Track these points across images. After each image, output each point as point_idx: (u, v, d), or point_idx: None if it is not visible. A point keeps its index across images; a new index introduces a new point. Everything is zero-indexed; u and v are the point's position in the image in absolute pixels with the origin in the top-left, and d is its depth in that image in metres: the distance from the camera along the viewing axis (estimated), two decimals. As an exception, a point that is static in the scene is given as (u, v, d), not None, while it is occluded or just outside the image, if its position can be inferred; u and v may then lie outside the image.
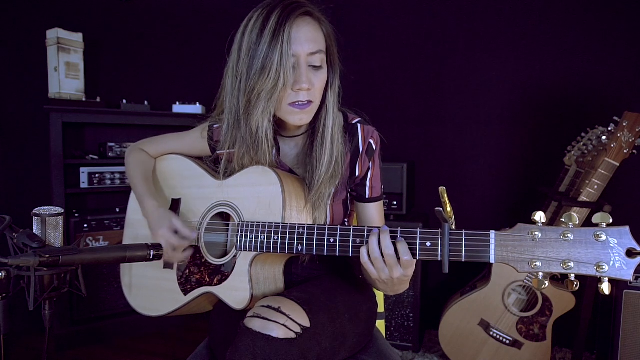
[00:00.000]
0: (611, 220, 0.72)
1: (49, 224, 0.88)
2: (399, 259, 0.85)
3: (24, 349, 2.31)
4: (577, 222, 0.74)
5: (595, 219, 0.73)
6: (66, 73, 2.31)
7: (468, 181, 2.56)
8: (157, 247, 0.93)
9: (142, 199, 1.15)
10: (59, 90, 2.29)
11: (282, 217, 0.97)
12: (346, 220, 1.17)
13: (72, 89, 2.34)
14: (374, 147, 1.08)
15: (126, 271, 1.23)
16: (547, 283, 0.76)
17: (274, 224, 0.96)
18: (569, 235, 0.73)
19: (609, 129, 1.78)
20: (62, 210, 0.91)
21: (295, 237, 0.94)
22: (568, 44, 2.30)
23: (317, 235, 0.92)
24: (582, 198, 1.76)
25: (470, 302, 2.03)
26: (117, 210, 2.49)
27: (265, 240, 0.96)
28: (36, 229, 0.88)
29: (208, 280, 1.06)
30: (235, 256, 1.02)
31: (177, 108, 2.63)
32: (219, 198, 1.09)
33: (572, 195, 1.92)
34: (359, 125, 1.08)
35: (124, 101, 2.49)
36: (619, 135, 1.69)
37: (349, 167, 1.08)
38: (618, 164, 1.71)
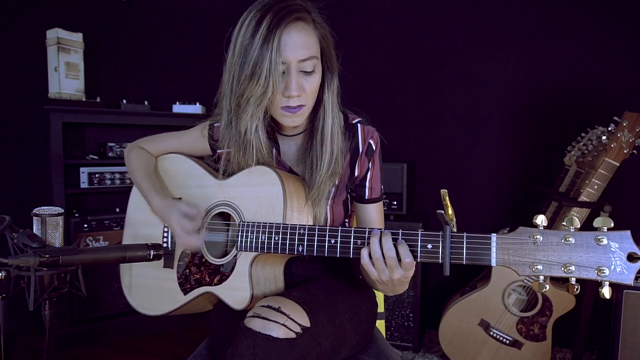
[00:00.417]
0: (612, 225, 0.72)
1: (49, 224, 0.88)
2: (400, 260, 0.85)
3: (24, 349, 2.31)
4: (579, 226, 0.74)
5: (597, 223, 0.73)
6: (66, 73, 2.31)
7: (468, 181, 2.56)
8: (157, 247, 0.93)
9: (147, 196, 1.15)
10: (59, 90, 2.29)
11: (283, 218, 0.97)
12: (347, 221, 1.17)
13: (72, 89, 2.34)
14: (374, 148, 1.08)
15: (126, 271, 1.23)
16: (547, 286, 0.76)
17: (274, 225, 0.96)
18: (570, 239, 0.73)
19: (609, 129, 1.78)
20: (62, 210, 0.91)
21: (296, 237, 0.94)
22: (568, 44, 2.30)
23: (318, 236, 0.92)
24: (582, 198, 1.76)
25: (470, 302, 2.03)
26: (117, 210, 2.49)
27: (266, 240, 0.96)
28: (36, 229, 0.88)
29: (208, 280, 1.06)
30: (235, 256, 1.02)
31: (177, 108, 2.63)
32: (220, 198, 1.09)
33: (572, 195, 1.92)
34: (359, 125, 1.08)
35: (124, 101, 2.49)
36: (619, 135, 1.69)
37: (349, 167, 1.08)
38: (618, 164, 1.71)
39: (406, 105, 2.69)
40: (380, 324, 1.24)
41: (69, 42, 2.32)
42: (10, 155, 2.44)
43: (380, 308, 1.22)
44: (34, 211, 0.88)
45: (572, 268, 0.73)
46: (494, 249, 0.77)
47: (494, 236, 0.78)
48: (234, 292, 1.00)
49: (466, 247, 0.79)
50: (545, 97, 2.36)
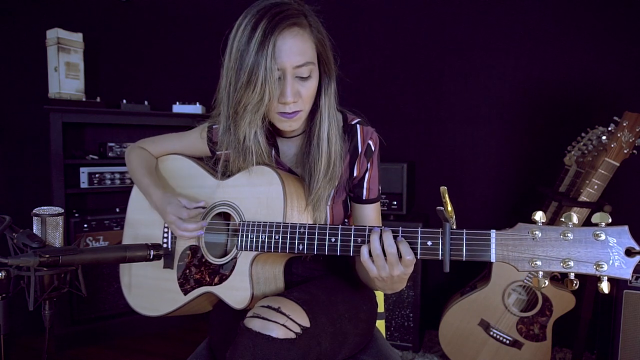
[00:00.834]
0: (610, 220, 0.73)
1: (49, 224, 0.88)
2: (400, 258, 0.85)
3: (24, 349, 2.31)
4: (577, 222, 0.75)
5: (595, 218, 0.74)
6: (66, 73, 2.31)
7: (468, 181, 2.56)
8: (157, 247, 0.93)
9: (148, 191, 1.15)
10: (59, 90, 2.29)
11: (283, 217, 0.97)
12: (346, 220, 1.17)
13: (72, 89, 2.34)
14: (373, 149, 1.08)
15: (126, 271, 1.23)
16: (547, 282, 0.76)
17: (274, 224, 0.96)
18: (568, 235, 0.74)
19: (609, 129, 1.78)
20: (62, 210, 0.91)
21: (296, 236, 0.94)
22: (568, 43, 2.30)
23: (318, 235, 0.92)
24: (582, 198, 1.76)
25: (470, 302, 2.03)
26: (117, 210, 2.49)
27: (266, 240, 0.96)
28: (36, 229, 0.88)
29: (208, 279, 1.06)
30: (235, 256, 1.02)
31: (177, 108, 2.63)
32: (220, 198, 1.09)
33: (572, 195, 1.92)
34: (358, 126, 1.08)
35: (124, 101, 2.49)
36: (619, 135, 1.69)
37: (348, 167, 1.08)
38: (618, 164, 1.71)
39: (406, 105, 2.69)
40: (380, 324, 1.24)
41: (69, 42, 2.32)
42: (10, 155, 2.44)
43: (380, 308, 1.22)
44: (34, 211, 0.88)
45: (571, 263, 0.73)
46: (493, 245, 0.78)
47: (493, 232, 0.78)
48: (234, 291, 1.01)
49: (466, 243, 0.79)
50: (545, 97, 2.36)
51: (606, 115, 1.89)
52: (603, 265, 0.72)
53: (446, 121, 2.59)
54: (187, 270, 1.10)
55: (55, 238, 0.89)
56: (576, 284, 0.74)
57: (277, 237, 0.95)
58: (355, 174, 1.08)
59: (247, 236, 0.99)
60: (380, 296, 1.25)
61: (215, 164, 1.13)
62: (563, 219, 0.75)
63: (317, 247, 0.92)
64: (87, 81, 2.44)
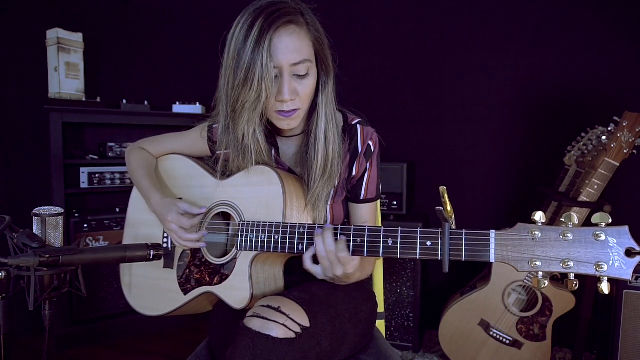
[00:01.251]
0: (610, 220, 0.73)
1: (49, 224, 0.88)
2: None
3: (24, 349, 2.31)
4: (577, 222, 0.75)
5: (595, 218, 0.73)
6: (66, 73, 2.31)
7: (468, 181, 2.56)
8: (157, 247, 0.93)
9: (147, 194, 1.15)
10: (59, 90, 2.29)
11: (282, 217, 0.97)
12: (346, 220, 1.17)
13: (72, 89, 2.34)
14: (372, 149, 1.08)
15: (126, 271, 1.23)
16: (546, 282, 0.76)
17: (274, 224, 0.96)
18: (568, 235, 0.74)
19: (609, 129, 1.78)
20: (62, 210, 0.91)
21: (296, 236, 0.94)
22: (568, 43, 2.30)
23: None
24: (582, 198, 1.76)
25: (470, 302, 2.03)
26: (117, 210, 2.49)
27: (266, 239, 0.96)
28: (36, 229, 0.88)
29: (208, 279, 1.06)
30: (235, 256, 1.02)
31: (177, 108, 2.63)
32: (220, 198, 1.09)
33: (572, 195, 1.92)
34: (358, 126, 1.08)
35: (124, 101, 2.49)
36: (619, 135, 1.69)
37: (347, 167, 1.08)
38: (618, 164, 1.71)
39: (406, 105, 2.69)
40: (380, 324, 1.24)
41: (69, 42, 2.32)
42: (10, 155, 2.44)
43: (380, 308, 1.22)
44: (34, 211, 0.88)
45: (571, 264, 0.73)
46: (492, 246, 0.78)
47: (492, 232, 0.78)
48: (234, 291, 1.01)
49: (465, 243, 0.79)
50: (545, 97, 2.36)
51: (606, 115, 1.89)
52: (603, 266, 0.72)
53: (446, 121, 2.59)
54: (187, 270, 1.10)
55: (55, 238, 0.89)
56: (576, 285, 0.74)
57: (276, 237, 0.95)
58: (354, 174, 1.08)
59: (246, 236, 0.99)
60: (380, 296, 1.25)
61: (215, 163, 1.14)
62: (563, 219, 0.75)
63: (316, 247, 0.92)
64: (87, 81, 2.44)
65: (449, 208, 0.81)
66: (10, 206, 2.41)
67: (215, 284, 1.04)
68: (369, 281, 1.29)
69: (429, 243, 0.83)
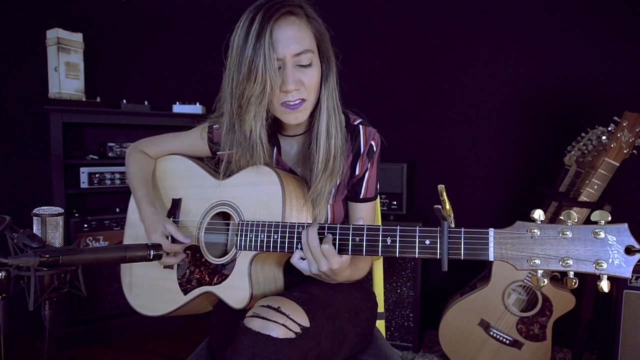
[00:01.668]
0: (609, 218, 0.72)
1: (49, 224, 0.88)
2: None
3: (24, 349, 2.31)
4: (576, 220, 0.74)
5: (594, 216, 0.73)
6: (66, 73, 2.31)
7: (468, 181, 2.56)
8: (157, 247, 0.93)
9: (140, 204, 1.15)
10: (59, 90, 2.29)
11: (282, 216, 0.97)
12: (346, 219, 1.17)
13: (72, 89, 2.34)
14: (375, 149, 1.08)
15: (126, 271, 1.23)
16: (546, 281, 0.76)
17: (273, 223, 0.96)
18: (567, 233, 0.73)
19: (609, 129, 1.78)
20: (62, 210, 0.91)
21: (295, 236, 0.94)
22: (568, 43, 2.30)
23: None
24: (582, 198, 1.76)
25: (470, 302, 2.03)
26: (117, 210, 2.49)
27: (265, 239, 0.96)
28: (36, 229, 0.88)
29: (208, 279, 1.06)
30: (235, 255, 1.02)
31: (177, 108, 2.63)
32: (219, 198, 1.09)
33: (572, 195, 1.92)
34: (360, 126, 1.08)
35: (124, 101, 2.49)
36: (619, 135, 1.69)
37: (350, 167, 1.08)
38: (618, 164, 1.71)
39: (406, 105, 2.69)
40: (380, 324, 1.24)
41: (69, 42, 2.32)
42: (10, 155, 2.44)
43: (380, 308, 1.22)
44: (34, 211, 0.88)
45: (570, 262, 0.73)
46: (491, 244, 0.78)
47: (491, 231, 0.78)
48: (233, 291, 1.01)
49: (464, 242, 0.79)
50: (545, 97, 2.36)
51: (606, 115, 1.89)
52: (602, 264, 0.71)
53: (446, 121, 2.59)
54: (187, 270, 1.11)
55: (55, 238, 0.89)
56: (576, 283, 0.74)
57: (276, 237, 0.95)
58: (356, 173, 1.09)
59: (246, 236, 0.99)
60: (380, 296, 1.25)
61: (217, 164, 1.14)
62: (562, 217, 0.75)
63: (316, 246, 0.92)
64: (87, 81, 2.44)
65: (447, 206, 0.81)
66: (10, 206, 2.41)
67: (215, 284, 1.04)
68: (369, 281, 1.29)
69: (427, 242, 0.83)
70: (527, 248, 0.76)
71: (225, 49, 1.00)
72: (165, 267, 1.15)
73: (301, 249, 0.92)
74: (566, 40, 2.30)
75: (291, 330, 0.83)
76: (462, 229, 0.80)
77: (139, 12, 2.76)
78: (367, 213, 1.12)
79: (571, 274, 0.74)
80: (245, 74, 0.92)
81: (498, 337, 1.99)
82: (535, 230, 0.75)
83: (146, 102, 2.55)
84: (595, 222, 0.73)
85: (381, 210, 1.78)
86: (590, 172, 1.79)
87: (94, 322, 2.38)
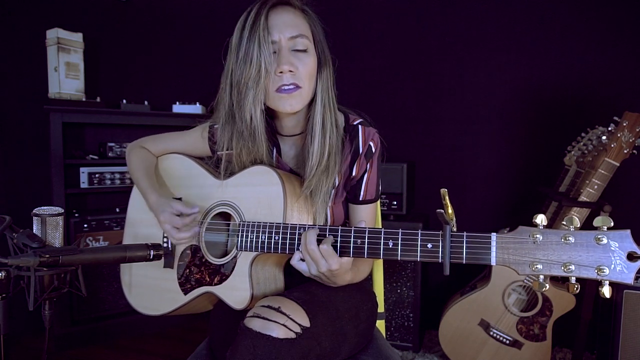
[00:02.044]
0: (612, 224, 0.72)
1: (49, 224, 0.88)
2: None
3: (24, 349, 2.31)
4: (579, 225, 0.74)
5: (597, 222, 0.73)
6: (66, 73, 2.31)
7: (468, 181, 2.56)
8: (157, 247, 0.93)
9: (145, 194, 1.15)
10: (59, 90, 2.29)
11: (283, 218, 0.97)
12: (347, 221, 1.17)
13: (72, 89, 2.34)
14: (373, 150, 1.08)
15: (126, 270, 1.23)
16: (547, 286, 0.76)
17: (274, 224, 0.96)
18: (570, 238, 0.73)
19: (609, 129, 1.78)
20: (62, 210, 0.91)
21: (296, 237, 0.94)
22: (568, 43, 2.30)
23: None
24: (582, 198, 1.76)
25: (470, 302, 2.03)
26: (117, 210, 2.49)
27: (266, 240, 0.96)
28: (36, 229, 0.88)
29: (208, 279, 1.06)
30: (235, 256, 1.02)
31: (177, 108, 2.63)
32: (220, 198, 1.09)
33: (572, 195, 1.92)
34: (360, 126, 1.08)
35: (124, 101, 2.49)
36: (619, 135, 1.69)
37: (348, 168, 1.08)
38: (618, 164, 1.71)
39: (406, 105, 2.69)
40: (380, 324, 1.24)
41: (69, 42, 2.32)
42: (10, 155, 2.44)
43: (380, 308, 1.22)
44: (34, 211, 0.88)
45: (572, 267, 0.73)
46: (493, 248, 0.77)
47: (493, 235, 0.78)
48: (234, 292, 1.01)
49: (466, 246, 0.79)
50: (545, 97, 2.36)
51: (606, 115, 1.89)
52: (604, 270, 0.71)
53: (446, 121, 2.59)
54: (187, 270, 1.10)
55: (55, 238, 0.89)
56: (577, 288, 0.73)
57: (277, 238, 0.95)
58: (354, 174, 1.08)
59: (247, 236, 0.99)
60: (380, 296, 1.25)
61: (216, 164, 1.14)
62: (564, 223, 0.74)
63: (317, 247, 0.92)
64: (87, 81, 2.44)
65: (449, 210, 0.81)
66: (10, 206, 2.41)
67: (216, 284, 1.04)
68: (368, 281, 1.29)
69: (429, 245, 0.83)
70: (529, 253, 0.75)
71: (224, 52, 1.02)
72: (165, 266, 1.15)
73: (301, 250, 0.92)
74: (566, 40, 2.30)
75: (291, 330, 0.83)
76: (465, 233, 0.79)
77: (139, 12, 2.76)
78: (367, 215, 1.12)
79: (573, 279, 0.74)
80: (242, 58, 0.95)
81: (498, 337, 1.99)
82: (538, 235, 0.75)
83: (146, 102, 2.55)
84: (598, 228, 0.73)
85: (381, 210, 1.78)
86: (591, 172, 1.79)
87: (94, 322, 2.38)
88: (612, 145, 1.70)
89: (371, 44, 2.75)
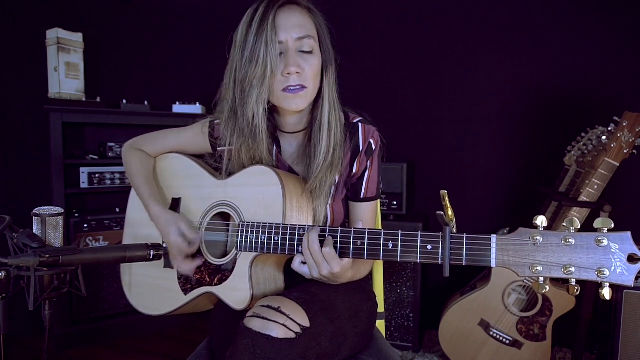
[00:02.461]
0: (613, 225, 0.72)
1: (49, 224, 0.88)
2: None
3: (24, 349, 2.31)
4: (579, 227, 0.74)
5: (597, 224, 0.73)
6: (66, 73, 2.31)
7: (468, 181, 2.56)
8: (157, 247, 0.93)
9: (147, 203, 1.14)
10: (59, 90, 2.29)
11: (282, 218, 0.97)
12: (347, 220, 1.17)
13: (72, 89, 2.34)
14: (374, 147, 1.08)
15: (126, 270, 1.23)
16: (547, 288, 0.76)
17: (274, 225, 0.96)
18: (570, 240, 0.73)
19: (609, 129, 1.78)
20: (62, 210, 0.91)
21: (296, 238, 0.94)
22: (568, 43, 2.30)
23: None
24: (582, 198, 1.76)
25: (470, 302, 2.03)
26: (117, 210, 2.49)
27: (266, 241, 0.96)
28: (36, 229, 0.88)
29: (208, 280, 1.06)
30: (235, 256, 1.02)
31: (177, 108, 2.63)
32: (219, 198, 1.09)
33: (572, 195, 1.92)
34: (360, 124, 1.08)
35: (124, 101, 2.49)
36: (619, 135, 1.69)
37: (348, 165, 1.08)
38: (618, 164, 1.71)
39: (406, 105, 2.69)
40: (380, 324, 1.24)
41: (69, 42, 2.32)
42: (10, 155, 2.44)
43: (380, 308, 1.22)
44: (34, 211, 0.88)
45: (572, 269, 0.72)
46: (493, 250, 0.77)
47: (493, 237, 0.78)
48: (234, 292, 1.00)
49: (466, 248, 0.79)
50: (545, 97, 2.36)
51: (606, 115, 1.89)
52: (605, 272, 0.71)
53: (446, 121, 2.59)
54: (187, 271, 1.10)
55: (55, 238, 0.89)
56: (578, 290, 0.73)
57: (276, 239, 0.95)
58: (354, 171, 1.08)
59: (246, 237, 0.99)
60: (380, 296, 1.25)
61: (217, 162, 1.13)
62: (565, 224, 0.74)
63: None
64: (87, 81, 2.44)
65: (449, 212, 0.81)
66: (10, 206, 2.41)
67: (216, 285, 1.04)
68: (368, 281, 1.29)
69: (429, 247, 0.82)
70: (529, 255, 0.75)
71: (228, 47, 1.01)
72: (165, 266, 1.15)
73: (302, 252, 0.92)
74: (566, 40, 2.30)
75: (291, 330, 0.83)
76: (465, 235, 0.79)
77: (139, 12, 2.76)
78: (368, 213, 1.12)
79: (573, 281, 0.74)
80: (247, 57, 0.95)
81: (498, 337, 1.99)
82: (538, 237, 0.75)
83: (146, 102, 2.55)
84: (598, 230, 0.72)
85: (381, 210, 1.78)
86: (590, 172, 1.79)
87: (94, 322, 2.39)
88: (612, 145, 1.70)
89: (371, 44, 2.75)
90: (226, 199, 1.08)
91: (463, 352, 2.05)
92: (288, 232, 0.95)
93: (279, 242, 0.95)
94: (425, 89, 2.64)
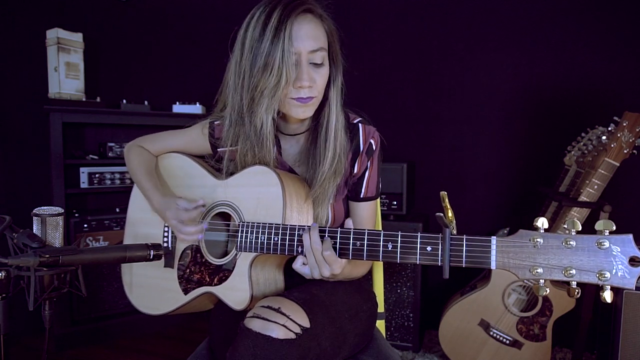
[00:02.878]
0: (614, 228, 0.71)
1: (49, 224, 0.88)
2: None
3: (24, 349, 2.31)
4: (580, 229, 0.73)
5: (598, 226, 0.72)
6: (66, 73, 2.31)
7: (468, 181, 2.56)
8: (157, 247, 0.93)
9: (148, 194, 1.15)
10: (59, 90, 2.29)
11: (282, 218, 0.97)
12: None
13: (72, 89, 2.34)
14: (374, 147, 1.08)
15: (127, 270, 1.23)
16: (547, 290, 0.75)
17: (274, 225, 0.96)
18: (571, 242, 0.72)
19: (609, 129, 1.78)
20: (62, 210, 0.91)
21: (296, 238, 0.94)
22: (568, 44, 2.30)
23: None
24: (582, 198, 1.76)
25: (470, 302, 2.03)
26: (117, 210, 2.49)
27: (266, 241, 0.96)
28: (36, 229, 0.88)
29: (208, 280, 1.06)
30: (235, 256, 1.02)
31: (177, 108, 2.63)
32: (220, 198, 1.09)
33: (572, 195, 1.92)
34: (360, 124, 1.09)
35: (124, 101, 2.49)
36: (619, 135, 1.69)
37: (349, 165, 1.08)
38: (618, 164, 1.71)
39: (406, 105, 2.69)
40: (380, 324, 1.24)
41: (69, 42, 2.32)
42: (10, 155, 2.44)
43: (380, 308, 1.22)
44: (34, 211, 0.88)
45: (573, 272, 0.72)
46: (493, 252, 0.77)
47: (493, 239, 0.77)
48: (233, 292, 1.01)
49: (466, 249, 0.79)
50: (546, 97, 2.36)
51: (606, 115, 1.89)
52: (606, 275, 0.70)
53: (446, 121, 2.59)
54: (188, 270, 1.10)
55: (55, 238, 0.89)
56: (578, 293, 0.72)
57: (276, 239, 0.95)
58: (355, 172, 1.09)
59: (246, 237, 0.99)
60: (380, 296, 1.25)
61: (218, 162, 1.13)
62: (565, 226, 0.74)
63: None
64: (87, 81, 2.44)
65: (449, 213, 0.81)
66: (10, 206, 2.41)
67: (215, 285, 1.04)
68: (368, 281, 1.29)
69: (429, 248, 0.82)
70: (529, 257, 0.75)
71: (232, 42, 1.00)
72: (165, 266, 1.15)
73: (302, 253, 0.92)
74: (566, 40, 2.30)
75: (291, 330, 0.83)
76: (464, 236, 0.79)
77: (139, 12, 2.76)
78: (368, 212, 1.12)
79: (574, 284, 0.73)
80: (261, 66, 0.92)
81: (498, 337, 1.99)
82: (539, 239, 0.74)
83: (146, 102, 2.55)
84: (600, 232, 0.72)
85: (381, 210, 1.78)
86: (590, 172, 1.79)
87: (94, 322, 2.38)
88: (612, 145, 1.70)
89: (371, 44, 2.75)
90: (226, 199, 1.08)
91: (463, 352, 2.05)
92: (288, 232, 0.95)
93: (279, 242, 0.95)
94: (425, 89, 2.64)
